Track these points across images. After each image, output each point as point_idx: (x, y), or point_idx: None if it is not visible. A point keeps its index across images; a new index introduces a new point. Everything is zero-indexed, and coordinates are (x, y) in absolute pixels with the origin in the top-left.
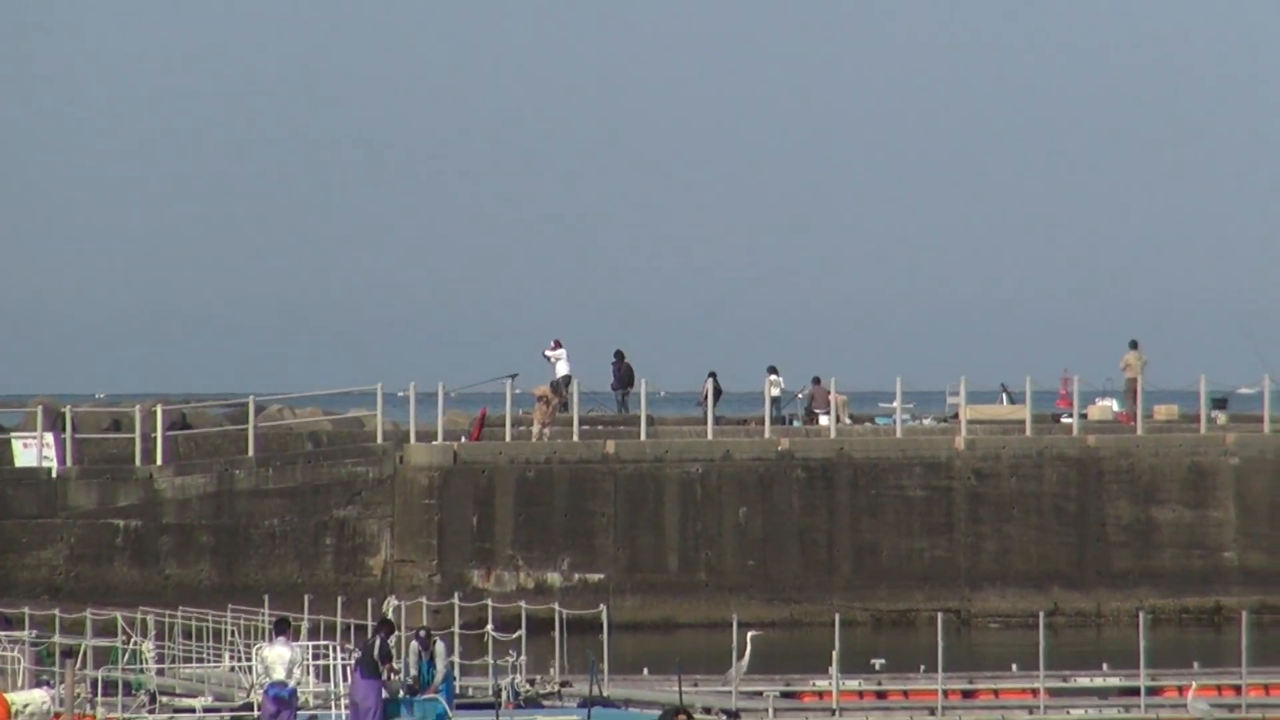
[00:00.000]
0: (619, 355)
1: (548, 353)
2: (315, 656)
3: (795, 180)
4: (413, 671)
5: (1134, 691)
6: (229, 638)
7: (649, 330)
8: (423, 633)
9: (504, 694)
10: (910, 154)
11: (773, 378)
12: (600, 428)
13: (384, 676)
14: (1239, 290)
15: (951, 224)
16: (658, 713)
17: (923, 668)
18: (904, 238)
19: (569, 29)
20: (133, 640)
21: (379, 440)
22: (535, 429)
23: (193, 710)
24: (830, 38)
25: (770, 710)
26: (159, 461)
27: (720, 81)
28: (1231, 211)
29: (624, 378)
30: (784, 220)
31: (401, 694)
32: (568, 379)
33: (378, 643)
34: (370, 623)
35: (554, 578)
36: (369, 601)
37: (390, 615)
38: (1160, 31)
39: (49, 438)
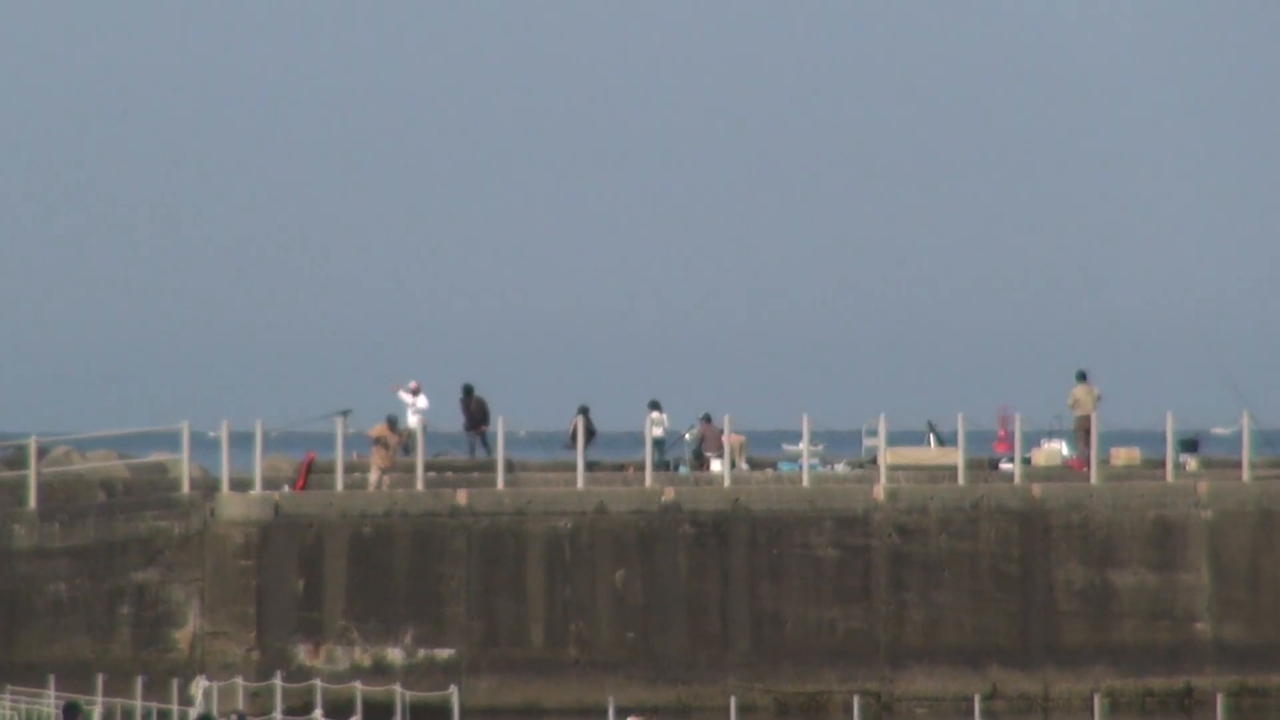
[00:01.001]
0: (468, 390)
1: (404, 396)
2: None
3: (678, 190)
4: None
5: None
6: None
7: (506, 357)
8: (235, 716)
9: None
10: (823, 165)
11: (655, 415)
12: (450, 474)
13: None
14: (1209, 313)
15: (869, 237)
16: None
17: None
18: (808, 256)
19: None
20: None
21: (185, 489)
22: (372, 476)
23: None
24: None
25: None
26: None
27: (580, 85)
28: (1199, 224)
29: (476, 416)
30: (669, 234)
31: None
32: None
33: None
34: (176, 707)
35: (395, 654)
36: (174, 682)
37: (200, 699)
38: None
39: None
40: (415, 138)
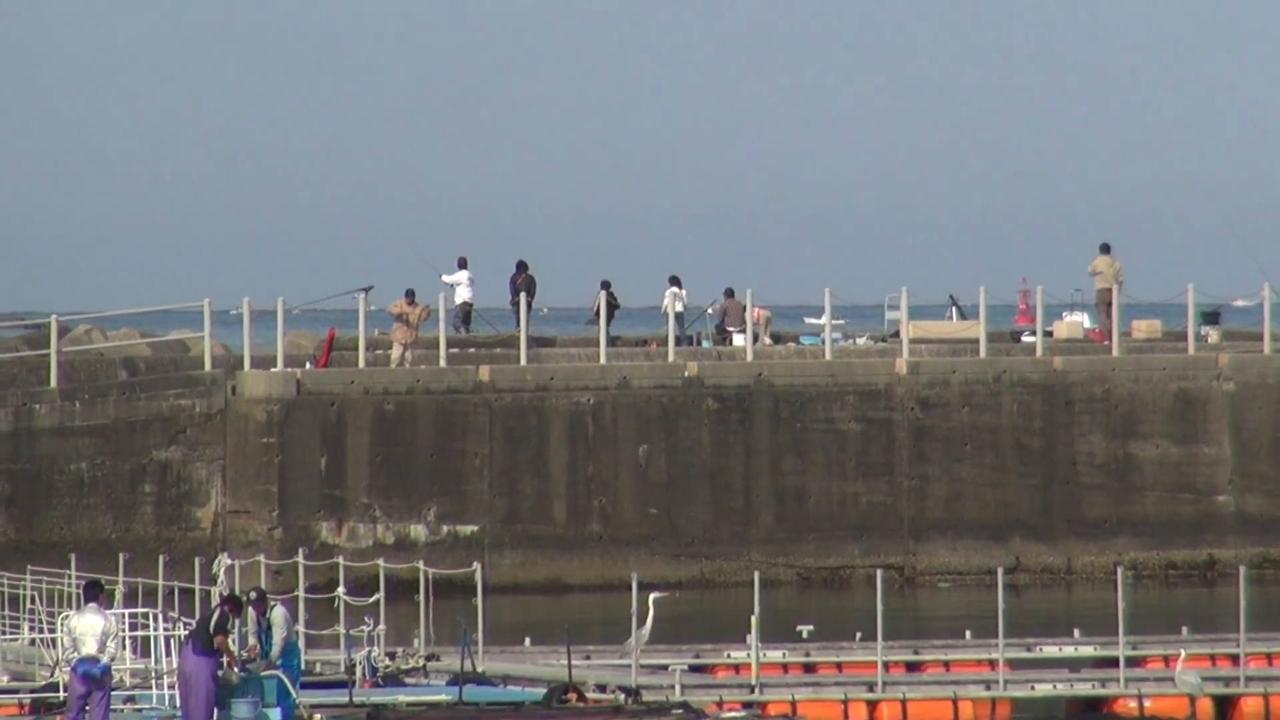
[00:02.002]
0: (521, 266)
1: (446, 278)
2: (133, 627)
3: (700, 69)
4: (250, 641)
5: (1112, 662)
6: (29, 605)
7: (530, 232)
8: (254, 594)
9: (359, 669)
10: (841, 38)
11: (676, 289)
12: (472, 351)
13: (218, 653)
14: (1229, 185)
15: (892, 116)
16: (542, 691)
17: (859, 635)
18: (830, 132)
19: None
20: None
21: (207, 367)
22: (395, 353)
23: None
24: None
25: (678, 687)
26: None
27: None
28: (1219, 99)
29: (522, 290)
30: (692, 114)
31: (235, 670)
32: (467, 309)
33: (216, 615)
34: (199, 585)
35: (418, 531)
36: (197, 560)
37: (221, 576)
38: None
39: None
40: (447, 22)
